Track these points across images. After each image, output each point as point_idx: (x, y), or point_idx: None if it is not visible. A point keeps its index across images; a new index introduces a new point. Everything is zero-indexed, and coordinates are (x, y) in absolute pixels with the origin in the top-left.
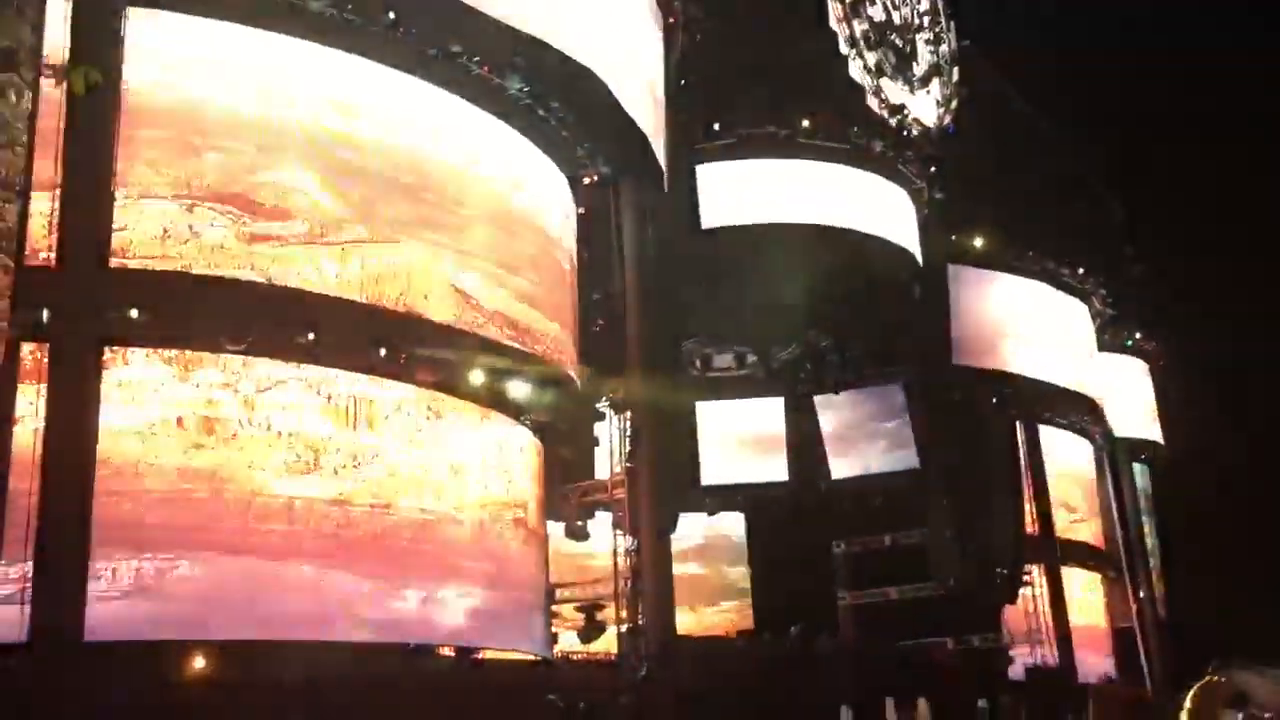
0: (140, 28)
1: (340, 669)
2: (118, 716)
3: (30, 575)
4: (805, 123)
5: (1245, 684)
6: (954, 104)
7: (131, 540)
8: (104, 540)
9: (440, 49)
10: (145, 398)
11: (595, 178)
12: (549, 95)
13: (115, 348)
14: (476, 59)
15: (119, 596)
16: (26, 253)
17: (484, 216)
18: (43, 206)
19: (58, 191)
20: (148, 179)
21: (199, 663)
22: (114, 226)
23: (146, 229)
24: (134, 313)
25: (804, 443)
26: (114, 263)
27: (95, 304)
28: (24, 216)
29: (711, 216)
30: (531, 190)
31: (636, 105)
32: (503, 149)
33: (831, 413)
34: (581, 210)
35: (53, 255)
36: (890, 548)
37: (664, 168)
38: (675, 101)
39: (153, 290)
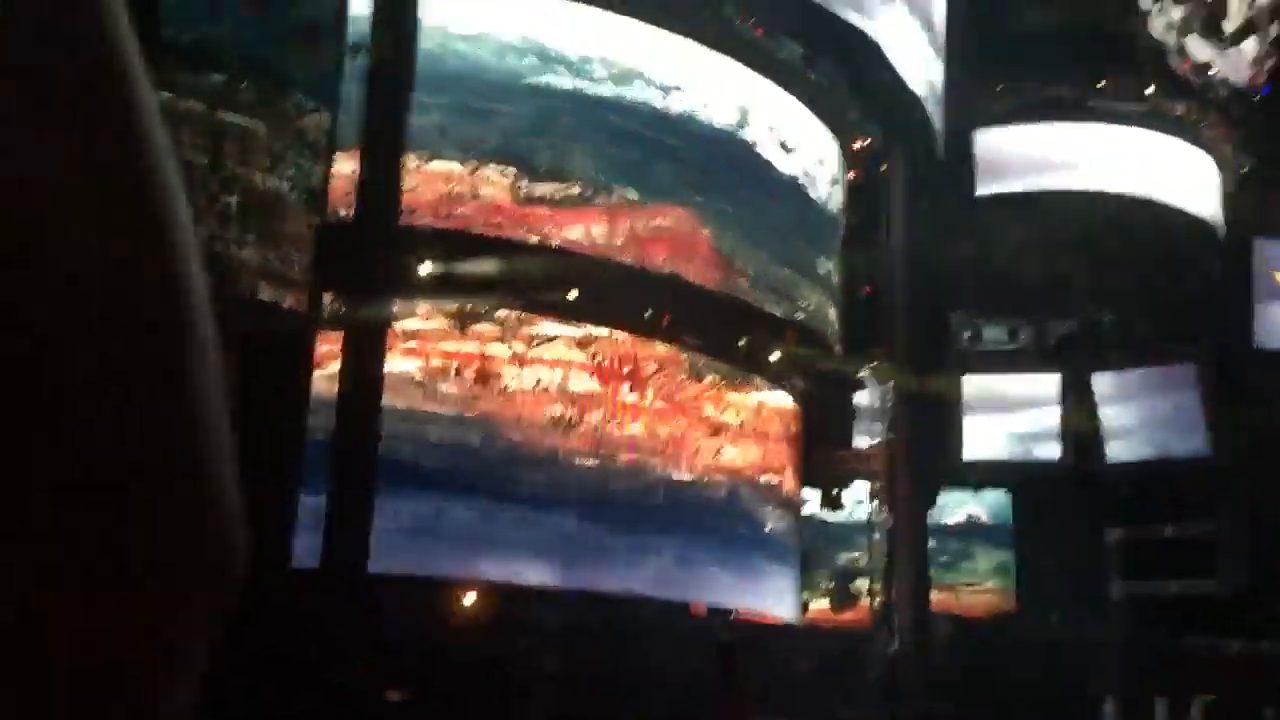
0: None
1: (595, 619)
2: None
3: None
4: (1100, 84)
5: None
6: (1270, 63)
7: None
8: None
9: (712, 9)
10: (426, 348)
11: (866, 142)
12: (821, 57)
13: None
14: (750, 20)
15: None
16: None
17: (750, 180)
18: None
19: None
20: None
21: (468, 600)
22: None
23: (434, 188)
24: (424, 268)
25: (1080, 422)
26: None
27: (389, 260)
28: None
29: (988, 184)
30: (799, 154)
31: (912, 68)
32: (771, 111)
33: (1113, 392)
34: (851, 176)
35: (350, 213)
36: (1172, 538)
37: (939, 133)
38: (955, 63)
39: (437, 247)
